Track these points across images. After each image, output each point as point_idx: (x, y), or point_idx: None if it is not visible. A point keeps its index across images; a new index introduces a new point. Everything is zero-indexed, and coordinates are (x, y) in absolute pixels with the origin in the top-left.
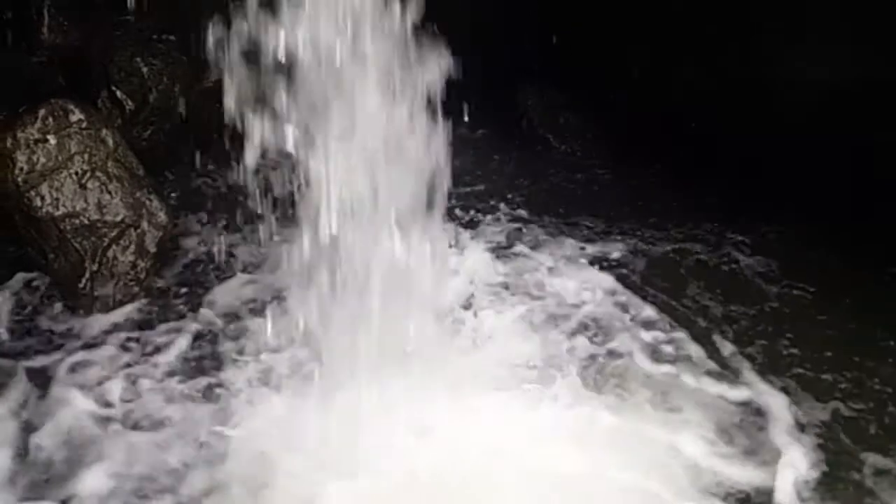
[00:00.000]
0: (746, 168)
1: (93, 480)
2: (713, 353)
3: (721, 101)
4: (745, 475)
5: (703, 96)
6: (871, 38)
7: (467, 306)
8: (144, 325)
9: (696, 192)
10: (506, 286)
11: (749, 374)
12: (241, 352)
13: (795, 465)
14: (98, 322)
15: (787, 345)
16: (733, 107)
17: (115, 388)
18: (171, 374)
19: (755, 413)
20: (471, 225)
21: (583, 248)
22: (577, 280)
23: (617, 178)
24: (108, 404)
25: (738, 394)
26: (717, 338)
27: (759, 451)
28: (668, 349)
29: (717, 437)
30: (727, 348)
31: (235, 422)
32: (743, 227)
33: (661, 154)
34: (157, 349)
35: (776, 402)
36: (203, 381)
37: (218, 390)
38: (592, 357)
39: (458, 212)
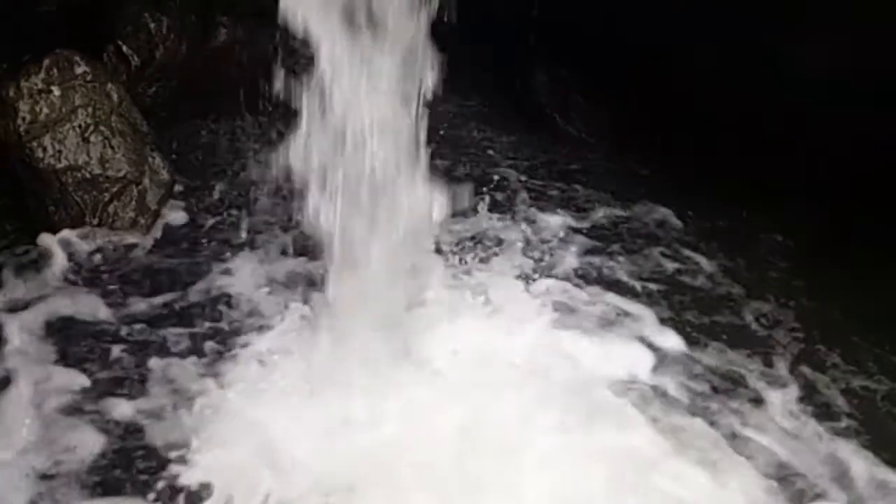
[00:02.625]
0: (752, 147)
1: None
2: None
3: (728, 81)
4: None
5: (712, 77)
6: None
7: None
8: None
9: (701, 174)
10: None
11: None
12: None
13: None
14: None
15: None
16: (741, 87)
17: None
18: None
19: None
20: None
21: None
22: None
23: (618, 160)
24: None
25: None
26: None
27: None
28: None
29: None
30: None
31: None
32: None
33: (667, 137)
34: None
35: None
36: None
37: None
38: None
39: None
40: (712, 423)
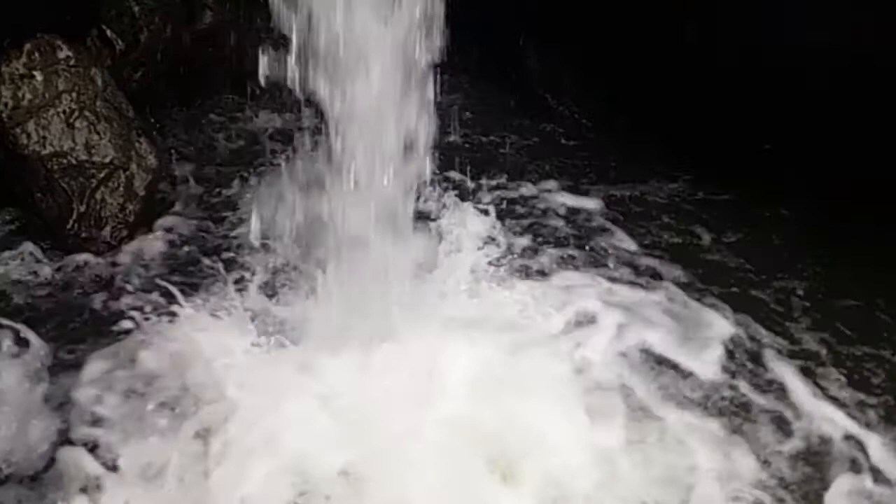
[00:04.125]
0: (744, 128)
1: None
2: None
3: (721, 61)
4: None
5: (703, 57)
6: None
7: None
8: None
9: (693, 153)
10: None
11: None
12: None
13: None
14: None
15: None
16: (733, 67)
17: None
18: None
19: None
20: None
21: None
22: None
23: (608, 138)
24: None
25: None
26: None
27: None
28: None
29: None
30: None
31: None
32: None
33: (658, 118)
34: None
35: None
36: None
37: None
38: None
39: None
40: None
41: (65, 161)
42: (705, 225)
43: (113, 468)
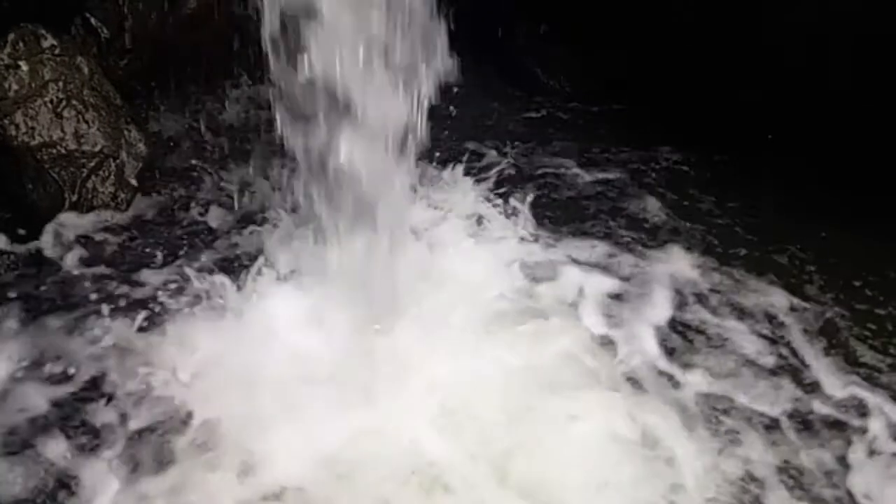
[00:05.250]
0: (735, 101)
1: None
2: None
3: (713, 38)
4: None
5: (696, 33)
6: None
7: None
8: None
9: (687, 128)
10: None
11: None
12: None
13: None
14: None
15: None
16: (726, 43)
17: None
18: None
19: None
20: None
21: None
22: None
23: (599, 112)
24: None
25: None
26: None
27: None
28: None
29: None
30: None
31: None
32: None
33: (651, 91)
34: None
35: None
36: None
37: None
38: None
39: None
40: None
41: (54, 151)
42: (705, 191)
43: None
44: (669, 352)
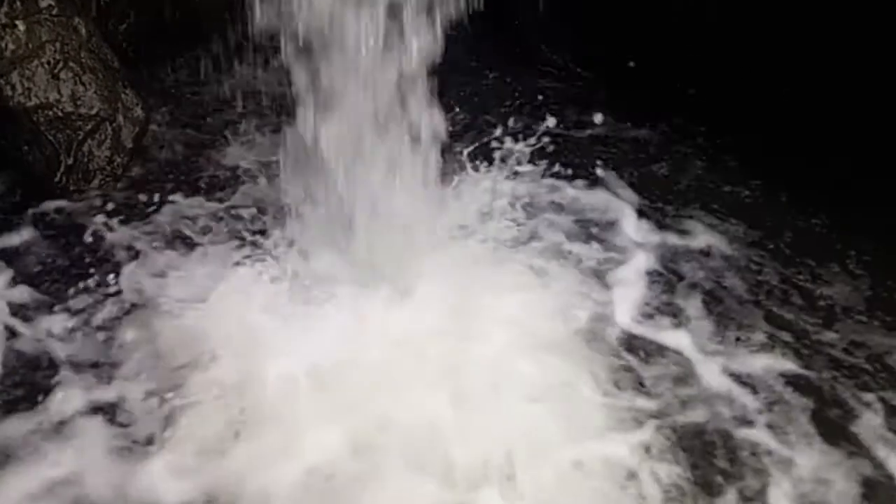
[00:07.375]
0: (733, 76)
1: None
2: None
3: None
4: None
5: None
6: None
7: None
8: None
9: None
10: None
11: None
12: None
13: None
14: None
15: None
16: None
17: None
18: None
19: None
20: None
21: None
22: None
23: (609, 86)
24: None
25: None
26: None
27: None
28: None
29: None
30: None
31: None
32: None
33: (652, 62)
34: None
35: None
36: None
37: None
38: None
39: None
40: None
41: (51, 113)
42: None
43: None
44: None
